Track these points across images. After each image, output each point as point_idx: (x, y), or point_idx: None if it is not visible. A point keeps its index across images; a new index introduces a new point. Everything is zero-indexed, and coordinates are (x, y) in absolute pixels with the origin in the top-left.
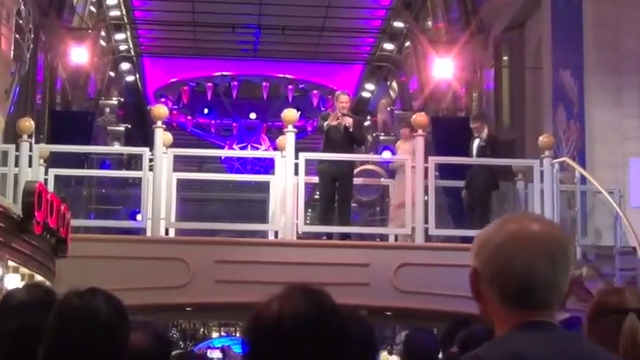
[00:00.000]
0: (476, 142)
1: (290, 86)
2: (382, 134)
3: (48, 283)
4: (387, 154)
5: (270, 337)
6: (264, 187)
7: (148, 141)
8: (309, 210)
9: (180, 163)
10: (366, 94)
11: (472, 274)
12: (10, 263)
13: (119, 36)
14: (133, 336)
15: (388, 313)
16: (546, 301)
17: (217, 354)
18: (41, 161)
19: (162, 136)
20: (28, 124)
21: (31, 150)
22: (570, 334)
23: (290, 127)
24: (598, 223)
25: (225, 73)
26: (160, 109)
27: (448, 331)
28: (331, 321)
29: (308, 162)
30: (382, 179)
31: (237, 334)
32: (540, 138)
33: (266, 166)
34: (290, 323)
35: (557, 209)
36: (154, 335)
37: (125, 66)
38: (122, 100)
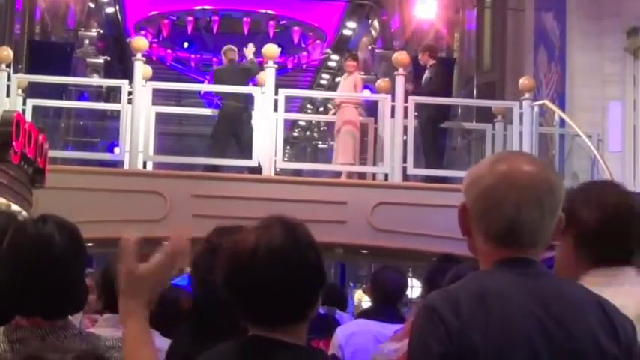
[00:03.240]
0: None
1: (271, 22)
2: (362, 73)
3: (25, 213)
4: (366, 93)
5: (245, 268)
6: None
7: (127, 74)
8: (287, 147)
9: (159, 97)
10: (347, 32)
11: (461, 210)
12: None
13: None
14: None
15: (364, 252)
16: (531, 242)
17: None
18: (19, 91)
19: (141, 68)
20: (6, 53)
21: (9, 79)
22: (549, 272)
23: (270, 63)
24: (575, 166)
25: (206, 7)
26: (140, 42)
27: (435, 268)
28: (306, 255)
29: (288, 99)
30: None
31: None
32: (521, 80)
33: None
34: (264, 254)
35: (535, 152)
36: None
37: None
38: (102, 32)
